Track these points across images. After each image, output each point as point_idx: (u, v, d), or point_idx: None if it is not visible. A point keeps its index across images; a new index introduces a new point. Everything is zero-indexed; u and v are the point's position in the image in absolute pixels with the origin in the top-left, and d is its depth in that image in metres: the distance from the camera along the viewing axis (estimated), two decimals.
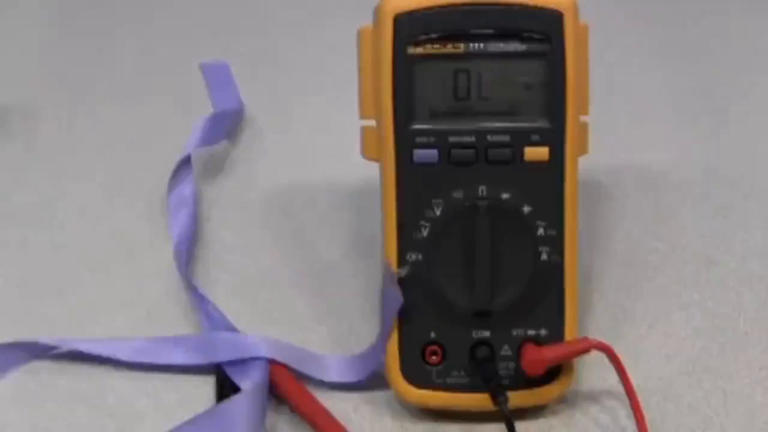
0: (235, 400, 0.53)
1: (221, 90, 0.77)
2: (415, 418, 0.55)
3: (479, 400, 0.53)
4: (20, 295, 0.63)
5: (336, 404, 0.55)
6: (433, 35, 0.52)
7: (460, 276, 0.53)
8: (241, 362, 0.56)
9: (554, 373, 0.54)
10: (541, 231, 0.53)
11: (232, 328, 0.59)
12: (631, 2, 0.87)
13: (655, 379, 0.57)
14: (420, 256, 0.53)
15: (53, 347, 0.58)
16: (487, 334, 0.54)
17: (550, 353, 0.53)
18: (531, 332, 0.54)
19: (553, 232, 0.53)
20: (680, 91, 0.78)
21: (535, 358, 0.53)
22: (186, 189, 0.67)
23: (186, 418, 0.52)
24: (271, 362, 0.56)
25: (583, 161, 0.54)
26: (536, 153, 0.53)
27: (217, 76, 0.79)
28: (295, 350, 0.57)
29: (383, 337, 0.54)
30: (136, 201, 0.69)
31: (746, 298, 0.62)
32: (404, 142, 0.53)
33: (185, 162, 0.68)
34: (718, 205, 0.68)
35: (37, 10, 0.88)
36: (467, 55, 0.52)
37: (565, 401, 0.56)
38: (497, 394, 0.53)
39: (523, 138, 0.53)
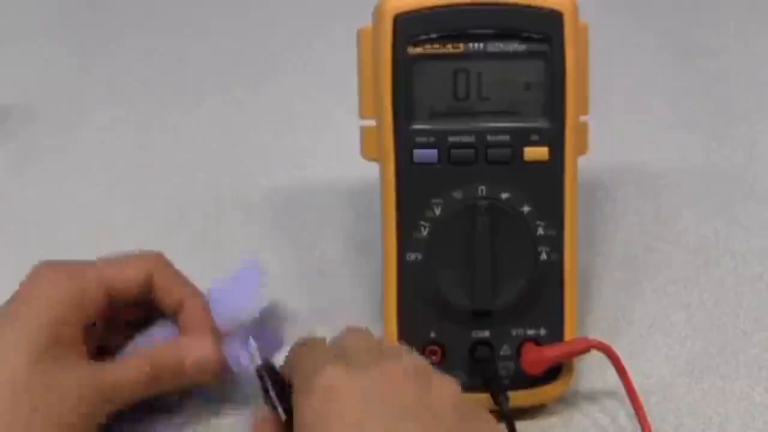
0: None
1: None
2: None
3: (479, 400, 0.53)
4: None
5: None
6: (433, 35, 0.52)
7: (460, 276, 0.53)
8: None
9: (554, 373, 0.54)
10: (540, 231, 0.53)
11: None
12: (631, 2, 0.87)
13: (655, 379, 0.57)
14: (420, 256, 0.53)
15: None
16: (486, 334, 0.54)
17: (550, 353, 0.53)
18: (531, 332, 0.54)
19: (552, 232, 0.53)
20: (680, 91, 0.78)
21: (535, 357, 0.53)
22: None
23: None
24: None
25: (583, 161, 0.54)
26: (536, 153, 0.53)
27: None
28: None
29: None
30: (136, 201, 0.69)
31: (746, 298, 0.62)
32: (404, 142, 0.53)
33: None
34: (718, 205, 0.68)
35: (37, 10, 0.88)
36: (467, 55, 0.52)
37: (565, 401, 0.56)
38: (497, 393, 0.53)
39: (523, 138, 0.53)
